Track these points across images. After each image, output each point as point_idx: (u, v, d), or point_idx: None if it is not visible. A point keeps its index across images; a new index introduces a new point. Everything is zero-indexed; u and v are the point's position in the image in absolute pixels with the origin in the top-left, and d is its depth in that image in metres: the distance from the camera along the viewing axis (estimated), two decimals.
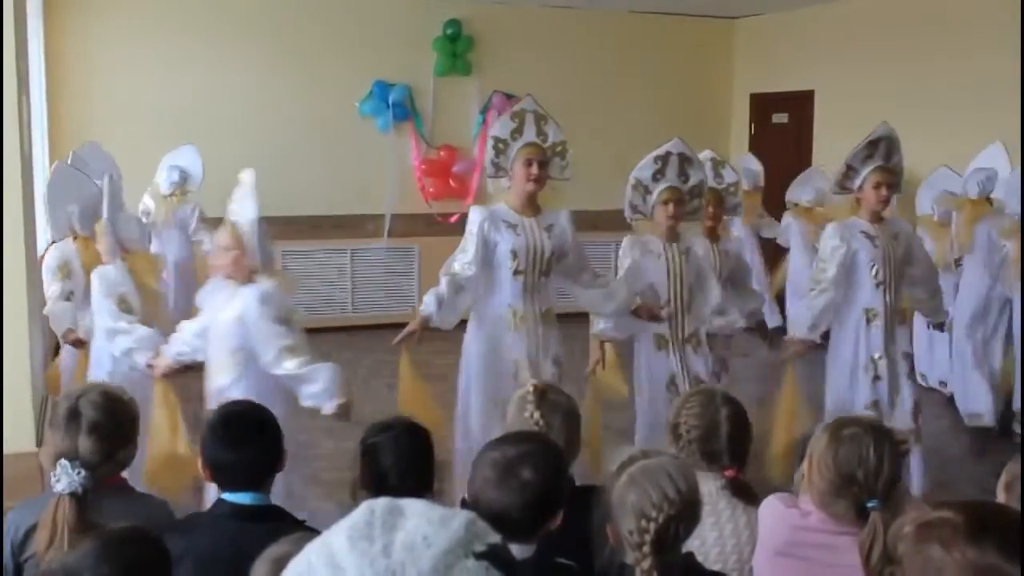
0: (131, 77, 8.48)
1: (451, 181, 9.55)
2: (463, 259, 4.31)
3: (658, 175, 4.66)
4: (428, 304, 4.24)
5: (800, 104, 9.66)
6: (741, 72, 10.64)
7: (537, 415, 2.57)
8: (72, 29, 8.31)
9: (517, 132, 4.40)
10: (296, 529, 2.35)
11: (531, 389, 2.65)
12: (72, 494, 2.26)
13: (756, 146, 10.34)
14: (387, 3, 9.31)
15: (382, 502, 0.91)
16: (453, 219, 9.23)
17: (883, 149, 4.80)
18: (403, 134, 9.38)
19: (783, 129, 9.98)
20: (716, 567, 2.38)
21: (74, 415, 2.43)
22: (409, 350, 4.29)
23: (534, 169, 4.32)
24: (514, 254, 4.30)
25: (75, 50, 8.32)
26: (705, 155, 5.21)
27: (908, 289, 4.99)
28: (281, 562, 1.72)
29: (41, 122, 7.55)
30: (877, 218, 4.83)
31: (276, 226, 8.60)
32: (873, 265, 4.75)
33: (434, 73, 9.47)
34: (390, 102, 9.25)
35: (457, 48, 9.49)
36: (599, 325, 4.71)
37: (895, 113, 8.44)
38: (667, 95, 10.35)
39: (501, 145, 4.39)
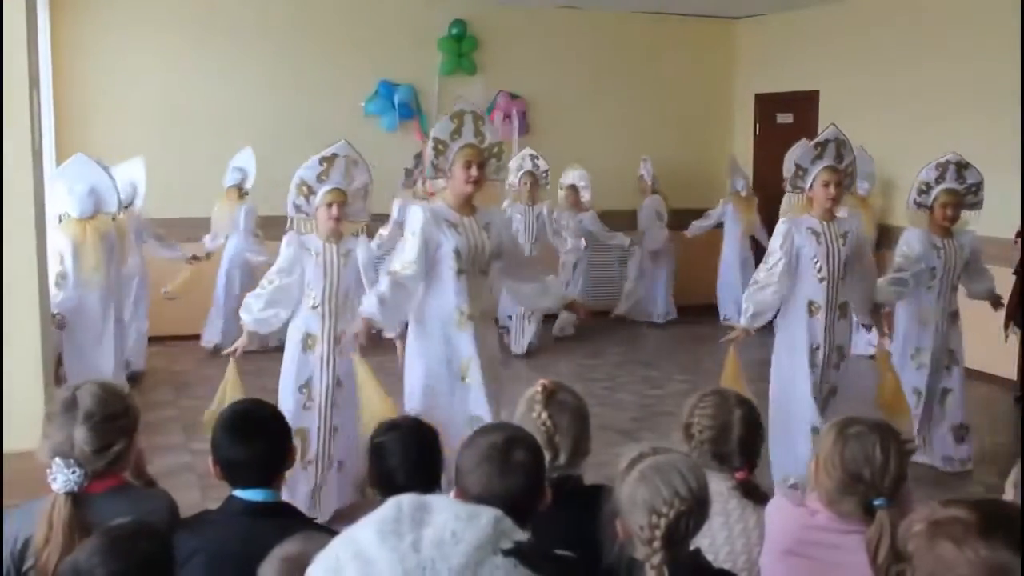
0: (136, 76, 8.49)
1: None
2: (405, 258, 4.32)
3: (322, 176, 4.59)
4: (370, 304, 4.26)
5: (805, 104, 9.66)
6: (745, 72, 10.64)
7: (545, 415, 2.55)
8: (78, 27, 8.32)
9: (456, 133, 4.42)
10: (307, 527, 2.36)
11: (539, 389, 2.63)
12: (68, 493, 2.25)
13: (761, 146, 10.36)
14: (392, 3, 9.32)
15: (409, 498, 0.92)
16: None
17: (832, 150, 5.05)
18: (408, 133, 9.39)
19: (788, 129, 9.97)
20: (726, 566, 2.39)
21: (71, 405, 2.39)
22: (359, 351, 4.44)
23: (473, 171, 4.35)
24: (457, 253, 4.32)
25: (81, 48, 8.33)
26: (951, 157, 5.56)
27: (847, 288, 5.12)
28: (290, 561, 1.73)
29: (48, 118, 7.58)
30: (828, 216, 5.05)
31: (281, 226, 8.72)
32: (816, 261, 4.97)
33: (439, 73, 9.48)
34: (395, 102, 9.26)
35: (462, 48, 9.50)
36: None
37: (900, 113, 8.48)
38: (671, 96, 10.36)
39: (441, 146, 4.41)
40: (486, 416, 4.25)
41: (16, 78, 3.83)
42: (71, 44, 8.27)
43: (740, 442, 2.58)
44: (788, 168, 8.75)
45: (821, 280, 4.98)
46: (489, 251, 4.43)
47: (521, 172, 8.61)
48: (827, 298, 4.98)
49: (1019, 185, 6.96)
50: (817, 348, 4.99)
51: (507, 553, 0.88)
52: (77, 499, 2.26)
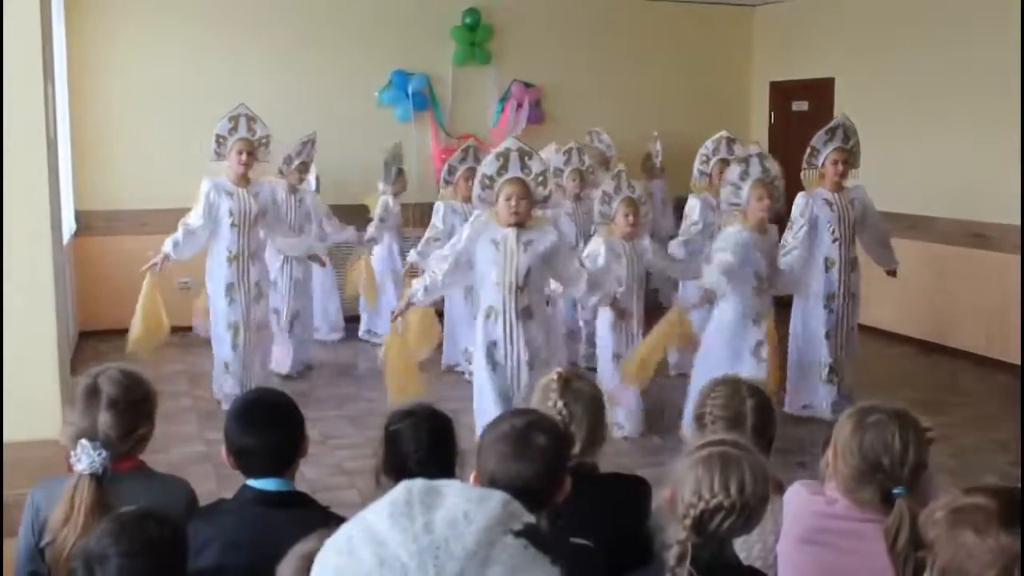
0: (150, 66, 8.51)
1: None
2: (195, 214, 6.18)
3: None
4: (167, 245, 6.10)
5: (820, 92, 9.59)
6: (760, 60, 10.58)
7: (560, 404, 2.55)
8: (92, 18, 8.34)
9: (233, 130, 6.25)
10: (322, 515, 2.36)
11: (555, 377, 2.61)
12: (92, 475, 2.28)
13: (776, 134, 10.30)
14: None
15: (419, 482, 0.92)
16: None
17: (840, 133, 6.23)
18: (422, 124, 9.37)
19: (803, 117, 9.91)
20: (740, 555, 2.37)
21: (93, 392, 2.43)
22: (152, 276, 5.99)
23: (244, 156, 6.19)
24: (231, 212, 6.20)
25: (95, 39, 8.35)
26: (752, 150, 6.59)
27: (864, 243, 6.48)
28: (308, 559, 1.72)
29: (63, 108, 7.62)
30: (837, 188, 6.27)
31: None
32: (831, 225, 6.21)
33: (453, 62, 9.46)
34: (409, 92, 9.24)
35: (476, 37, 9.47)
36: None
37: (916, 100, 8.41)
38: (686, 83, 10.30)
39: (221, 139, 6.23)
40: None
41: (30, 70, 3.84)
42: (87, 35, 8.29)
43: (753, 432, 2.55)
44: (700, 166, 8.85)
45: (835, 241, 6.23)
46: (255, 212, 6.29)
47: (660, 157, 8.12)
48: (840, 255, 6.24)
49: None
50: (833, 296, 6.26)
51: (518, 534, 0.88)
52: (99, 481, 2.29)
